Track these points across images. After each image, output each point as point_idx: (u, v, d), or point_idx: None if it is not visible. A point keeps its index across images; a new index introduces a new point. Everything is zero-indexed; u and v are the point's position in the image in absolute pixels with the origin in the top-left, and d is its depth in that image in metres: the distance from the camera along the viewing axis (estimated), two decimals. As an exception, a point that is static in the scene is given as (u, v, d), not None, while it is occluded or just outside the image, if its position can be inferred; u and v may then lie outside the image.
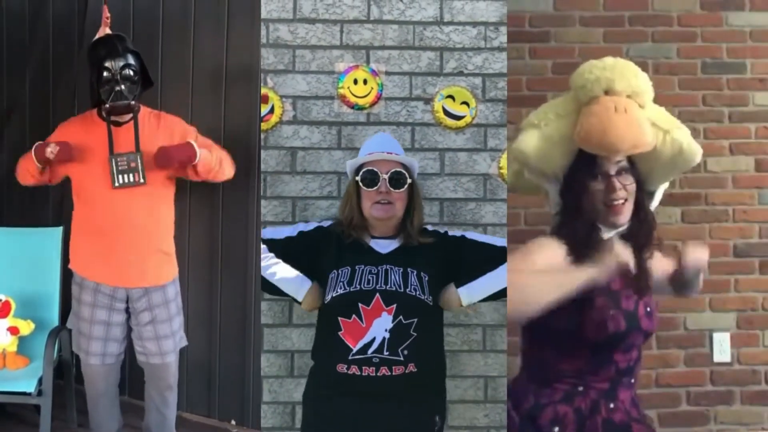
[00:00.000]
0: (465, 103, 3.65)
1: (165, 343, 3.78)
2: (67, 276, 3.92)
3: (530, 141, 2.58)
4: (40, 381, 3.81)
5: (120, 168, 3.60)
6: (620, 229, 2.53)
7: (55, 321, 4.19)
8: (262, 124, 3.63)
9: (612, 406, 2.52)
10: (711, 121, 4.36)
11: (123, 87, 3.56)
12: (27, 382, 3.83)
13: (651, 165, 2.55)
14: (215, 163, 3.71)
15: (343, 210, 3.27)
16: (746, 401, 4.43)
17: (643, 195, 2.57)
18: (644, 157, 2.50)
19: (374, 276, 3.09)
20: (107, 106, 3.58)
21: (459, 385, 3.62)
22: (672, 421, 4.37)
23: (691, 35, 4.31)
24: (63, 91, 4.95)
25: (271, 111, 3.63)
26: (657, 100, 2.59)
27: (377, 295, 3.05)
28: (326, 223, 3.33)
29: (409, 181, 3.18)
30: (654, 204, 2.65)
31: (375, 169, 3.16)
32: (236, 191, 4.16)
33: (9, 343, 4.02)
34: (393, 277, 3.10)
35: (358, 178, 3.19)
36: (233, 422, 4.52)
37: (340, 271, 3.11)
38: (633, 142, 2.43)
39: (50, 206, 4.85)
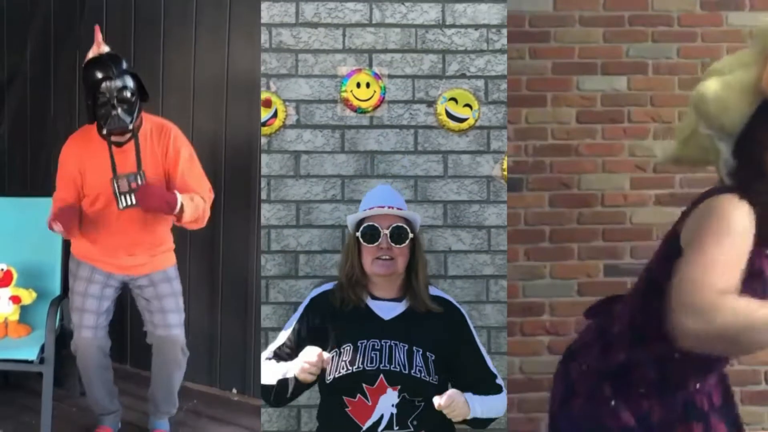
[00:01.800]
0: (468, 105, 3.66)
1: (171, 316, 3.79)
2: (68, 246, 3.93)
3: (712, 86, 2.38)
4: (42, 349, 3.81)
5: (122, 190, 3.58)
6: None
7: (56, 290, 4.18)
8: (266, 128, 3.64)
9: None
10: (711, 121, 4.38)
11: (119, 110, 3.50)
12: (29, 349, 3.82)
13: None
14: (195, 213, 3.65)
15: (343, 266, 3.15)
16: (746, 401, 4.43)
17: None
18: None
19: (377, 353, 2.96)
20: (104, 132, 3.57)
21: (464, 387, 3.63)
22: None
23: (691, 35, 4.32)
24: (64, 60, 4.95)
25: (275, 115, 3.63)
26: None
27: (381, 375, 2.92)
28: (319, 291, 3.18)
29: (411, 236, 3.06)
30: None
31: (376, 224, 3.04)
32: (237, 197, 4.18)
33: (11, 312, 4.02)
34: (397, 355, 2.96)
35: (358, 233, 3.08)
36: (235, 391, 4.56)
37: (341, 349, 2.97)
38: None
39: (52, 175, 4.85)
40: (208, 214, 3.74)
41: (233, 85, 4.36)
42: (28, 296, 4.05)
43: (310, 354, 2.82)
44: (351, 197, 3.65)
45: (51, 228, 3.53)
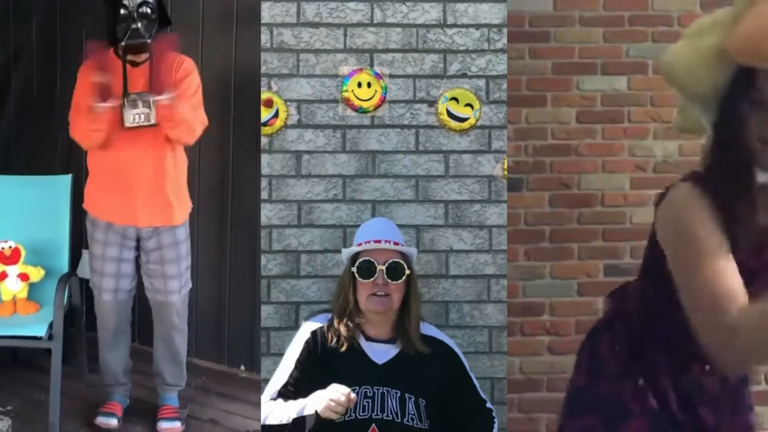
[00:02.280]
0: (469, 105, 3.67)
1: (171, 282, 3.81)
2: (76, 223, 3.94)
3: (680, 51, 2.18)
4: (50, 326, 3.80)
5: (132, 108, 3.52)
6: None
7: (65, 268, 4.18)
8: (267, 128, 3.64)
9: None
10: (711, 121, 4.38)
11: (139, 25, 3.47)
12: (38, 326, 3.81)
13: None
14: (187, 114, 3.61)
15: (337, 300, 3.16)
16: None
17: None
18: None
19: (370, 401, 2.96)
20: (123, 44, 3.49)
21: (466, 386, 3.63)
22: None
23: (690, 35, 4.33)
24: (70, 36, 4.92)
25: (276, 115, 3.63)
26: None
27: (373, 425, 2.93)
28: (314, 326, 3.19)
29: (407, 272, 3.09)
30: None
31: (372, 260, 3.06)
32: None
33: (20, 289, 4.02)
34: (390, 403, 2.96)
35: (353, 268, 3.09)
36: (242, 368, 4.57)
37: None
38: None
39: (59, 153, 4.85)
40: (196, 133, 3.70)
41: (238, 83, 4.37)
42: (36, 273, 4.05)
43: (336, 392, 2.79)
44: (352, 197, 3.65)
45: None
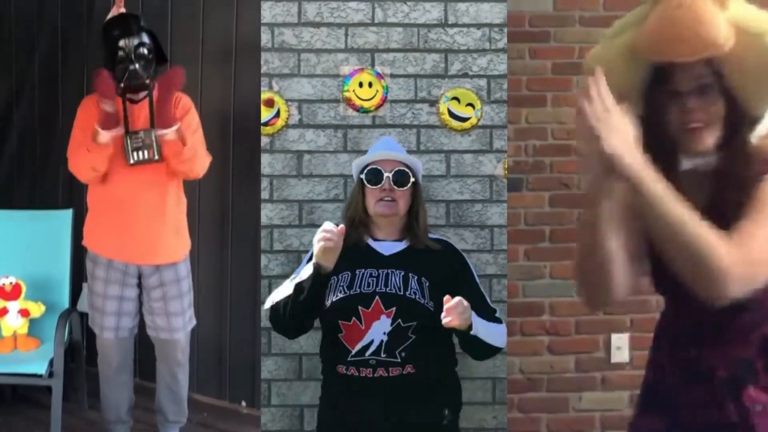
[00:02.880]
0: (470, 104, 3.67)
1: (175, 319, 3.80)
2: (77, 258, 3.94)
3: (597, 51, 2.24)
4: (51, 363, 3.81)
5: (135, 145, 3.57)
6: (703, 160, 2.11)
7: (65, 303, 4.19)
8: (268, 128, 3.63)
9: None
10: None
11: (137, 66, 3.52)
12: (38, 363, 3.82)
13: (743, 80, 2.05)
14: (194, 149, 3.65)
15: (348, 209, 3.31)
16: (746, 400, 4.45)
17: (738, 119, 2.07)
18: (733, 69, 2.04)
19: (374, 279, 3.11)
20: (122, 85, 3.54)
21: (467, 386, 3.58)
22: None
23: (690, 35, 4.32)
24: (72, 69, 4.95)
25: (277, 115, 3.63)
26: None
27: (377, 297, 3.06)
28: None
29: (412, 180, 3.21)
30: (759, 132, 2.09)
31: (379, 168, 3.20)
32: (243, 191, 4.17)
33: (20, 325, 4.03)
34: (393, 280, 3.11)
35: (362, 176, 3.22)
36: (244, 404, 4.57)
37: (339, 276, 3.12)
38: (694, 42, 1.99)
39: (60, 188, 4.86)
40: (205, 165, 3.74)
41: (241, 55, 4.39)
42: (37, 309, 4.05)
43: (326, 225, 2.93)
44: (353, 197, 3.65)
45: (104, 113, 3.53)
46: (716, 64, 2.03)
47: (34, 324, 4.07)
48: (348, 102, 3.65)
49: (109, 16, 3.71)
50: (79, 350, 4.24)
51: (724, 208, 2.02)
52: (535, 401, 4.23)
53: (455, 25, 3.68)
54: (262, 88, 3.65)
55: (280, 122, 3.63)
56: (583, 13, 4.25)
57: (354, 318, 3.05)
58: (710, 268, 1.86)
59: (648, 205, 1.93)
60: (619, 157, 1.90)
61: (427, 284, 3.11)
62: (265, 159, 3.66)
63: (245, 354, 4.44)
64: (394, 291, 3.08)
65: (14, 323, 4.01)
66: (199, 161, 3.70)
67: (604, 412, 4.25)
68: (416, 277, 3.12)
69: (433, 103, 3.68)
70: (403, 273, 3.13)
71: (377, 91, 3.65)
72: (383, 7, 3.66)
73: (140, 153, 3.58)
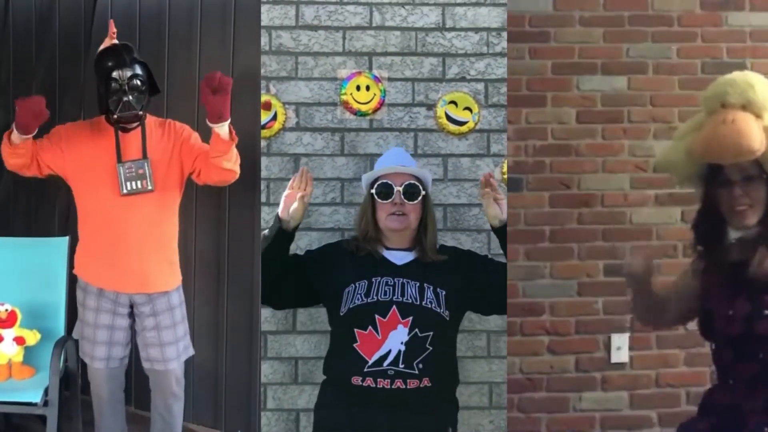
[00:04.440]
0: (468, 108, 3.66)
1: (168, 349, 3.77)
2: (73, 286, 3.91)
3: (664, 150, 2.91)
4: (46, 391, 3.79)
5: (128, 175, 3.58)
6: (749, 232, 2.63)
7: (61, 331, 4.15)
8: (265, 131, 3.63)
9: None
10: (711, 122, 4.37)
11: (131, 97, 3.53)
12: (33, 392, 3.80)
13: None
14: (232, 154, 3.60)
15: (359, 224, 3.33)
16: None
17: None
18: None
19: (391, 288, 3.14)
20: (115, 116, 3.56)
21: (464, 391, 3.59)
22: (672, 421, 4.34)
23: (691, 35, 4.29)
24: (70, 101, 4.94)
25: (274, 118, 3.63)
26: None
27: (394, 306, 3.09)
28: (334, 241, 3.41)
29: (422, 193, 3.24)
30: None
31: (389, 182, 3.23)
32: (241, 200, 4.17)
33: (15, 353, 3.98)
34: (409, 290, 3.14)
35: (373, 190, 3.25)
36: None
37: (357, 284, 3.15)
38: (735, 150, 2.56)
39: (56, 216, 4.84)
40: (238, 169, 3.66)
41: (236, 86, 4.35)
42: (32, 337, 4.01)
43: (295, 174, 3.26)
44: (351, 200, 3.64)
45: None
46: (758, 159, 2.57)
47: (29, 352, 4.04)
48: (345, 105, 3.65)
49: (103, 46, 3.71)
50: (74, 378, 4.17)
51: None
52: (535, 401, 4.22)
53: (453, 28, 3.67)
54: (261, 91, 3.66)
55: (277, 125, 3.63)
56: (583, 13, 4.23)
57: (370, 327, 3.07)
58: None
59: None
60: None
61: (444, 294, 3.15)
62: (262, 162, 3.66)
63: (242, 382, 4.40)
64: (410, 300, 3.11)
65: (9, 351, 3.97)
66: (237, 160, 3.63)
67: (604, 412, 4.24)
68: (431, 288, 3.15)
69: (431, 106, 3.67)
70: (418, 284, 3.16)
71: (375, 94, 3.64)
72: (381, 11, 3.65)
73: (133, 183, 3.59)
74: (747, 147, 2.54)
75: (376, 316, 3.07)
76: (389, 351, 3.04)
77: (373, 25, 3.65)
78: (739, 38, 4.33)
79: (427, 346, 3.05)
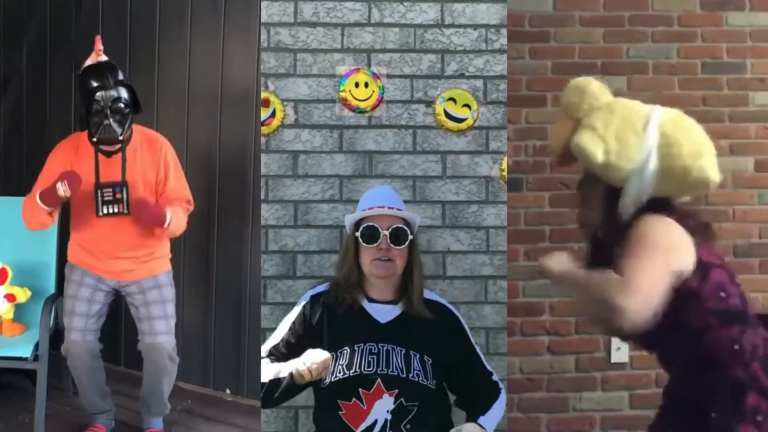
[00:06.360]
0: (466, 105, 3.66)
1: (158, 323, 3.80)
2: (63, 244, 3.95)
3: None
4: (36, 347, 3.83)
5: (105, 199, 3.66)
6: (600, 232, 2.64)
7: (51, 289, 4.19)
8: (264, 128, 3.63)
9: None
10: (711, 121, 4.32)
11: (112, 120, 3.56)
12: (23, 347, 3.85)
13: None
14: (179, 225, 3.77)
15: (340, 267, 3.16)
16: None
17: (607, 198, 2.57)
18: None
19: (374, 357, 2.98)
20: (95, 139, 3.61)
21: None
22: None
23: (691, 35, 4.30)
24: (60, 63, 4.97)
25: (273, 115, 3.63)
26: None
27: (378, 380, 2.94)
28: (314, 292, 3.21)
29: (410, 237, 3.08)
30: (624, 204, 2.53)
31: (375, 225, 3.05)
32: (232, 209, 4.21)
33: (5, 310, 4.03)
34: (395, 359, 2.98)
35: (357, 233, 3.08)
36: (228, 391, 4.58)
37: (338, 353, 2.99)
38: (555, 145, 2.68)
39: None
40: (185, 224, 3.83)
41: (227, 92, 4.39)
42: (23, 294, 4.05)
43: (317, 356, 2.84)
44: (349, 197, 3.64)
45: (53, 194, 3.54)
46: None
47: (19, 309, 4.08)
48: (344, 102, 3.64)
49: (88, 62, 3.69)
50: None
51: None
52: (535, 401, 4.22)
53: (452, 25, 3.67)
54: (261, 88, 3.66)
55: (275, 122, 3.63)
56: (583, 13, 4.24)
57: (354, 399, 2.93)
58: (611, 302, 2.23)
59: (569, 284, 2.52)
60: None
61: (430, 362, 3.01)
62: (261, 159, 3.66)
63: (230, 341, 4.47)
64: (396, 373, 2.95)
65: (0, 308, 4.02)
66: (185, 221, 3.84)
67: (604, 412, 4.24)
68: (418, 356, 3.00)
69: (430, 103, 3.66)
70: (404, 351, 3.00)
71: (373, 91, 3.64)
72: (380, 8, 3.65)
73: (109, 207, 3.67)
74: (556, 144, 2.66)
75: (360, 390, 2.93)
76: (375, 421, 2.92)
77: (372, 21, 3.65)
78: (739, 38, 4.33)
79: (411, 408, 2.93)
